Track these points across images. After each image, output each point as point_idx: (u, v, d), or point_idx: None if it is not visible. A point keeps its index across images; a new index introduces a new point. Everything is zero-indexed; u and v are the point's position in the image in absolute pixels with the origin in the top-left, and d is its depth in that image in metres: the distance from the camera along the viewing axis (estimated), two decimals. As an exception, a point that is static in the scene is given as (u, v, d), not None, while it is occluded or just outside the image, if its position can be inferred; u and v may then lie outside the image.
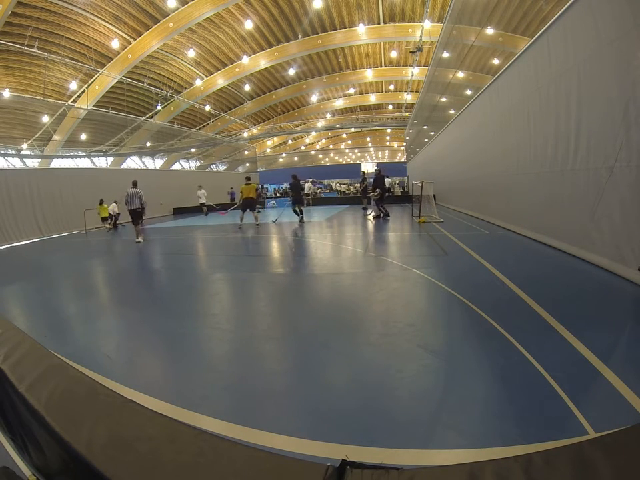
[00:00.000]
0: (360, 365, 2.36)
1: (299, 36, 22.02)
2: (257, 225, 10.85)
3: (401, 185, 27.79)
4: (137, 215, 9.14)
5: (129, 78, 20.27)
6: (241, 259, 6.64)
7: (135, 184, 9.19)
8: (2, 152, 21.38)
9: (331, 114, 36.02)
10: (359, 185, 19.09)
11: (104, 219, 13.97)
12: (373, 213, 11.84)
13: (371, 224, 10.31)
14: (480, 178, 9.48)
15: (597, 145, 4.23)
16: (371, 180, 12.79)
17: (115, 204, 14.76)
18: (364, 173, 16.01)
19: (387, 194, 11.69)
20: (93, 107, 20.49)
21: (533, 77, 5.90)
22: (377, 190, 10.87)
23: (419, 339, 2.67)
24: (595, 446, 0.65)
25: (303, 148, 46.90)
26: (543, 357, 2.24)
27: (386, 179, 26.50)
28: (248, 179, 11.29)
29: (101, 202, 13.94)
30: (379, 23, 21.03)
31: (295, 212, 11.65)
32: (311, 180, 29.66)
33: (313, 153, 47.83)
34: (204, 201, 16.48)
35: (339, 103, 33.24)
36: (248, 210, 10.93)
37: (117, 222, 14.77)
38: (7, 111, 18.45)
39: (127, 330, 3.37)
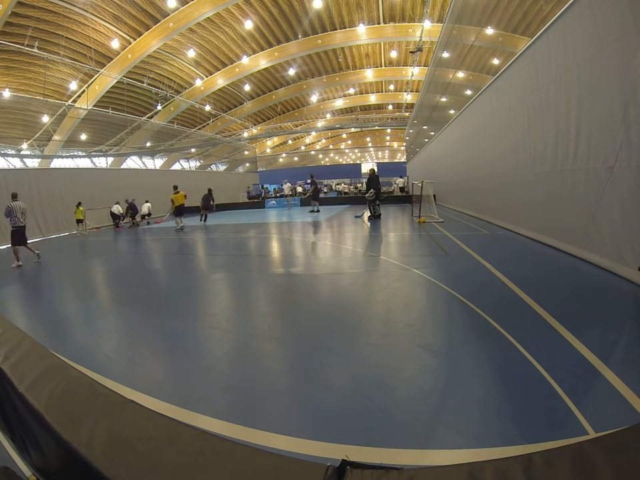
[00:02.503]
0: (360, 365, 2.36)
1: (299, 36, 22.01)
2: (180, 228, 11.81)
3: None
4: (22, 235, 7.04)
5: (129, 78, 20.26)
6: (242, 258, 6.65)
7: (15, 196, 7.18)
8: (2, 152, 21.36)
9: (331, 114, 36.01)
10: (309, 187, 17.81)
11: (79, 222, 13.31)
12: (367, 213, 11.83)
13: (370, 224, 10.31)
14: (480, 178, 9.48)
15: (597, 145, 4.23)
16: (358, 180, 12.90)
17: (117, 205, 14.76)
18: (312, 175, 15.63)
19: (385, 195, 11.75)
20: (93, 107, 20.49)
21: (533, 76, 5.90)
22: (372, 190, 10.94)
23: (419, 338, 2.67)
24: (595, 446, 0.65)
25: (302, 148, 46.88)
26: (542, 357, 2.24)
27: (399, 179, 26.74)
28: (175, 187, 12.44)
29: (79, 204, 13.32)
30: (378, 23, 21.02)
31: (201, 217, 13.84)
32: (311, 180, 29.57)
33: (313, 153, 47.81)
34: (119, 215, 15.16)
35: (339, 103, 33.24)
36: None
37: (121, 222, 14.81)
38: (7, 110, 18.46)
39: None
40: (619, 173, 3.82)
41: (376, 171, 12.23)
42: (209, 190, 14.14)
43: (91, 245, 10.22)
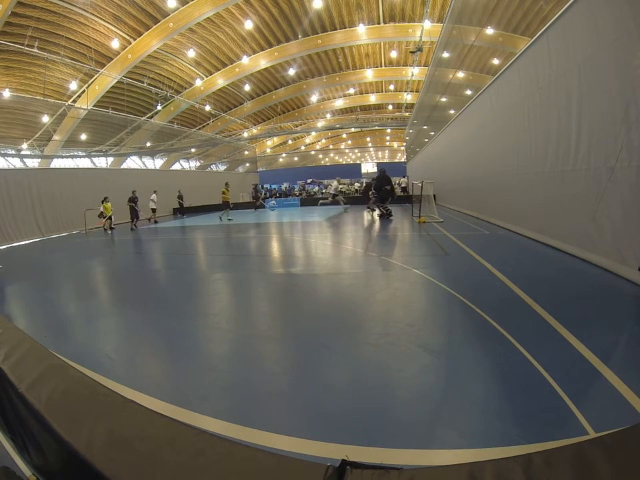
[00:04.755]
0: (360, 365, 2.36)
1: (299, 36, 22.00)
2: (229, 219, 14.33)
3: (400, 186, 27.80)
4: None
5: (129, 78, 20.25)
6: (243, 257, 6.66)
7: None
8: (2, 152, 21.36)
9: (331, 114, 35.99)
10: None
11: (105, 217, 13.26)
12: (377, 212, 11.97)
13: (369, 224, 10.32)
14: (480, 178, 9.48)
15: (598, 145, 4.22)
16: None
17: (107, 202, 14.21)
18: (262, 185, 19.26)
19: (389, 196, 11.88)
20: (93, 107, 20.48)
21: (533, 76, 5.90)
22: (372, 190, 11.58)
23: (419, 339, 2.67)
24: (595, 446, 0.65)
25: (302, 148, 46.86)
26: (543, 357, 2.24)
27: (402, 179, 26.87)
28: (226, 184, 14.73)
29: (104, 199, 13.29)
30: (378, 23, 21.01)
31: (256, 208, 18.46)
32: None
33: (313, 153, 47.80)
34: (154, 207, 15.68)
35: (339, 103, 33.22)
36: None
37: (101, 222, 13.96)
38: (7, 111, 18.43)
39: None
40: (619, 173, 3.82)
41: (386, 171, 12.19)
42: (254, 185, 19.25)
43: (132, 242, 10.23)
